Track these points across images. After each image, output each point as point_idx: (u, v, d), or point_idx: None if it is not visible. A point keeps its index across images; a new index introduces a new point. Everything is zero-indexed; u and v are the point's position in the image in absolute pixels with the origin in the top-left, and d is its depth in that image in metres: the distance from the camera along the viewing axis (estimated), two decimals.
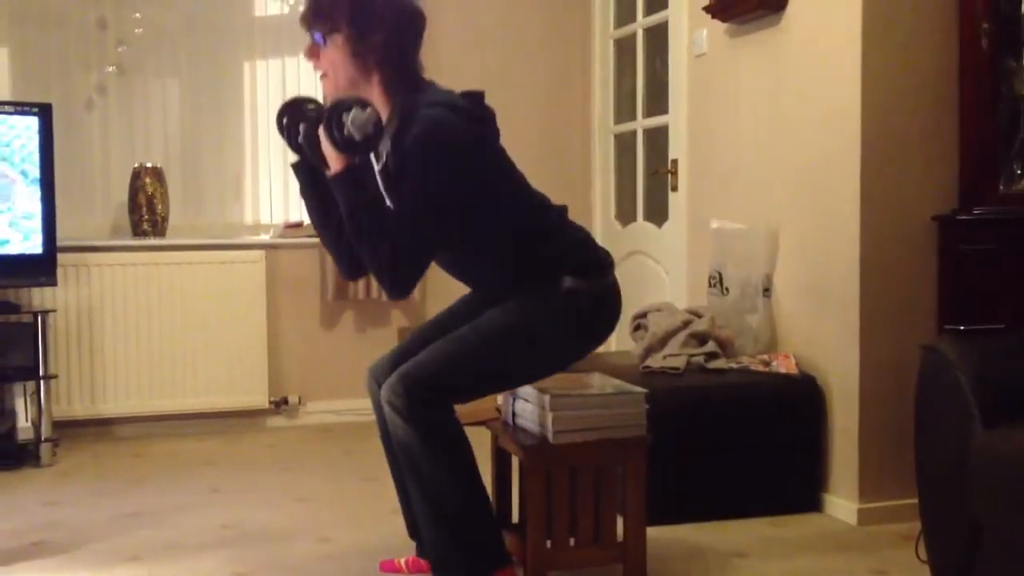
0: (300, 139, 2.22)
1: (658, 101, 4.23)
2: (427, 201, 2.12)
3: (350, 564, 2.66)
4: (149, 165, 4.32)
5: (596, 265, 2.33)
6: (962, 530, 2.04)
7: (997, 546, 1.98)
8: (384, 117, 2.21)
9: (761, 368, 3.16)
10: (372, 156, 2.28)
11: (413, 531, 2.49)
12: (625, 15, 4.54)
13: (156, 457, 3.95)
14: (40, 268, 3.83)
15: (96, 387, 4.18)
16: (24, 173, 3.81)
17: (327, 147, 2.13)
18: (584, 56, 4.80)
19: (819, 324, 3.14)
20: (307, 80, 4.59)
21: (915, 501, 2.23)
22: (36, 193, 3.82)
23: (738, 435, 3.04)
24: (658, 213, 4.23)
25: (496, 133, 2.29)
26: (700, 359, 3.19)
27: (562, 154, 4.81)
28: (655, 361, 3.21)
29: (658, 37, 4.21)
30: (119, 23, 4.39)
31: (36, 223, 3.81)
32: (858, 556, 2.70)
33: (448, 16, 4.58)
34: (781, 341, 3.32)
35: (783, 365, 3.14)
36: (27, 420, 4.04)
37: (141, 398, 4.23)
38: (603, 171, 4.73)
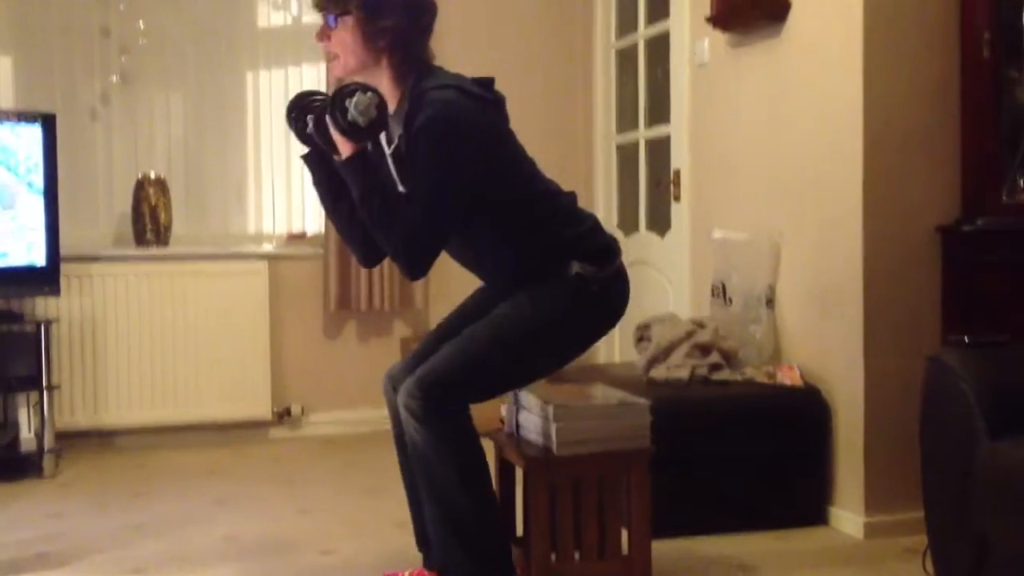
0: (309, 130, 2.25)
1: (660, 110, 4.23)
2: (440, 181, 2.14)
3: None
4: (152, 175, 4.32)
5: (605, 251, 2.34)
6: (969, 543, 2.03)
7: (1004, 559, 1.97)
8: (394, 101, 2.24)
9: (765, 380, 3.15)
10: (384, 141, 2.30)
11: (422, 542, 2.48)
12: (627, 25, 4.54)
13: (159, 468, 3.94)
14: (44, 279, 3.83)
15: (99, 397, 4.18)
16: (29, 184, 3.81)
17: (334, 134, 2.16)
18: (586, 66, 4.80)
19: (823, 335, 3.13)
20: (309, 89, 4.60)
21: (922, 514, 2.22)
22: (39, 203, 3.82)
23: (743, 447, 3.03)
24: (661, 223, 4.23)
25: (506, 118, 2.32)
26: (704, 370, 3.18)
27: (564, 164, 4.79)
28: (659, 372, 3.20)
29: (660, 47, 4.21)
30: (122, 32, 4.40)
31: (39, 233, 3.81)
32: (864, 570, 2.69)
33: (449, 26, 4.55)
34: (785, 352, 3.31)
35: (787, 377, 3.13)
36: (30, 431, 4.03)
37: (144, 409, 4.23)
38: (605, 181, 4.73)
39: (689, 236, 3.93)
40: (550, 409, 2.33)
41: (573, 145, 4.83)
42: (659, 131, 4.23)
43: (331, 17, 2.24)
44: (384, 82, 2.25)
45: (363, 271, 4.45)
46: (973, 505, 2.02)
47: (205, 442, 4.32)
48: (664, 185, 4.15)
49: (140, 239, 4.31)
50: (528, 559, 2.35)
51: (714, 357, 3.22)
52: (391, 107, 2.25)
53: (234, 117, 4.58)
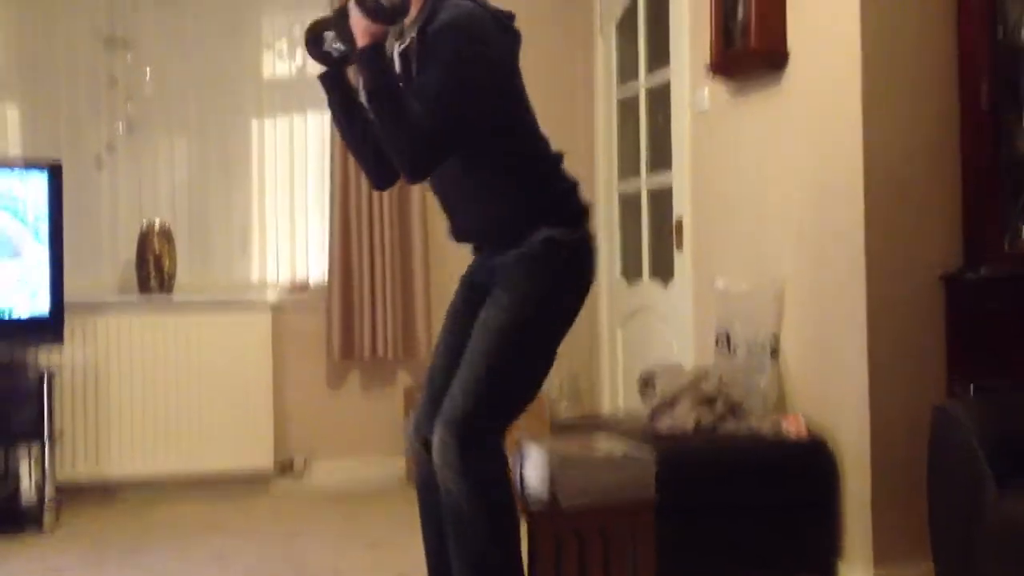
0: (326, 46, 2.29)
1: (661, 157, 4.25)
2: (453, 84, 2.14)
3: None
4: (157, 223, 4.33)
5: (578, 215, 2.34)
6: None
7: None
8: (416, 7, 2.25)
9: (770, 430, 3.13)
10: (395, 43, 2.30)
11: None
12: (628, 73, 4.58)
13: (159, 522, 3.90)
14: (47, 329, 3.83)
15: (101, 447, 4.15)
16: (36, 232, 3.83)
17: (356, 21, 2.17)
18: (587, 115, 4.84)
19: (828, 384, 3.12)
20: (314, 139, 4.64)
21: (931, 565, 2.20)
22: (44, 252, 3.83)
23: (748, 499, 3.00)
24: (664, 271, 4.23)
25: (517, 56, 2.33)
26: (709, 421, 3.17)
27: None
28: (663, 422, 3.18)
29: (660, 95, 4.24)
30: (129, 81, 4.44)
31: (43, 281, 3.82)
32: None
33: None
34: (790, 400, 3.29)
35: (793, 427, 3.10)
36: (31, 482, 4.00)
37: (145, 460, 4.19)
38: (608, 229, 4.73)
39: (692, 284, 3.92)
40: (554, 461, 2.31)
41: None
42: (661, 179, 4.25)
43: None
44: None
45: (367, 319, 4.44)
46: (980, 553, 2.00)
47: (207, 494, 4.27)
48: (666, 233, 4.15)
49: (144, 286, 4.31)
50: None
51: (719, 407, 3.21)
52: (412, 13, 2.25)
53: (239, 165, 4.61)
